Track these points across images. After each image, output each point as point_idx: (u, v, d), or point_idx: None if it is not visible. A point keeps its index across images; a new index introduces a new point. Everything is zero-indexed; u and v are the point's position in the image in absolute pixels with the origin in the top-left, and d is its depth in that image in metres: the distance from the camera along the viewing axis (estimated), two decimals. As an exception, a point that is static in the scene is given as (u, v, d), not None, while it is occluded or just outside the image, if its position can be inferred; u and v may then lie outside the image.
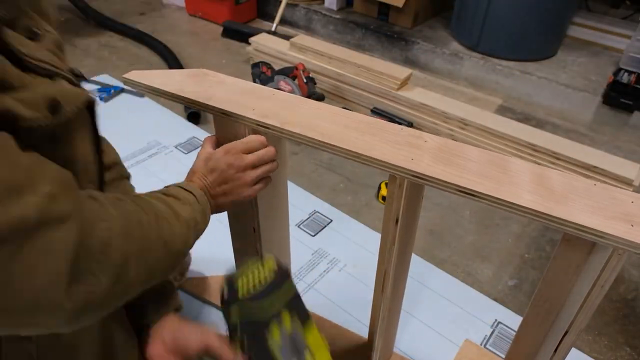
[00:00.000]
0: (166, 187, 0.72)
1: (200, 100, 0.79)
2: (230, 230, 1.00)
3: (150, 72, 0.87)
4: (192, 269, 1.33)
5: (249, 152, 0.77)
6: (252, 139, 0.77)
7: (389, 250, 0.81)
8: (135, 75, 0.86)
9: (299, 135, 0.73)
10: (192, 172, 0.77)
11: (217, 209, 0.77)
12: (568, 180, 0.63)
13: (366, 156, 0.68)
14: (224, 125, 0.81)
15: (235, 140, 0.78)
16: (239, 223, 0.97)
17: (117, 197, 0.57)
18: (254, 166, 0.77)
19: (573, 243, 0.64)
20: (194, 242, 0.69)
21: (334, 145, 0.70)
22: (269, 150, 0.78)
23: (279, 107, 0.78)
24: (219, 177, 0.75)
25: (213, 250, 1.08)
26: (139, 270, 0.55)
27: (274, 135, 0.77)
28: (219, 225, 1.04)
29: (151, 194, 0.67)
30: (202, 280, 1.30)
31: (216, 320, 1.24)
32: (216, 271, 1.31)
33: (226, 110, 0.78)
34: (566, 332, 0.74)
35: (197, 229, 0.69)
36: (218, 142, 0.82)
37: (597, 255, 0.64)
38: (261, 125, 0.76)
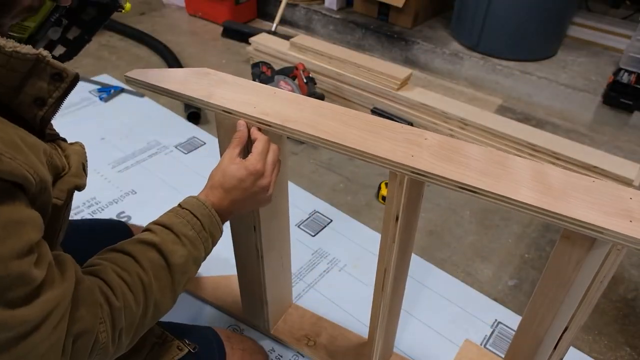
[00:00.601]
0: (175, 209, 0.70)
1: (202, 98, 0.80)
2: (231, 230, 1.00)
3: (152, 70, 0.87)
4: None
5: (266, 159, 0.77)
6: (264, 147, 0.76)
7: (389, 248, 0.81)
8: (136, 73, 0.86)
9: (300, 133, 0.73)
10: (209, 186, 0.75)
11: (233, 215, 0.77)
12: (567, 177, 0.63)
13: (368, 153, 0.68)
14: (226, 123, 0.81)
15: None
16: (239, 222, 0.97)
17: (100, 282, 0.59)
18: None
19: (573, 239, 0.64)
20: (195, 273, 0.71)
21: (335, 143, 0.71)
22: (277, 151, 0.79)
23: (280, 105, 0.79)
24: (241, 199, 0.75)
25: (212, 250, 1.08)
26: (128, 338, 0.61)
27: (275, 133, 0.77)
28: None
29: (145, 239, 0.65)
30: (201, 280, 1.30)
31: (215, 321, 1.24)
32: (215, 271, 1.31)
33: (227, 108, 0.78)
34: (566, 328, 0.74)
35: (197, 262, 0.70)
36: (239, 145, 0.78)
37: (597, 251, 0.64)
38: (263, 123, 0.76)
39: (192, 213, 0.69)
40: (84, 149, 0.65)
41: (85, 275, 0.58)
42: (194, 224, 0.68)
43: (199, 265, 0.71)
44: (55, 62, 0.54)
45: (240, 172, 0.73)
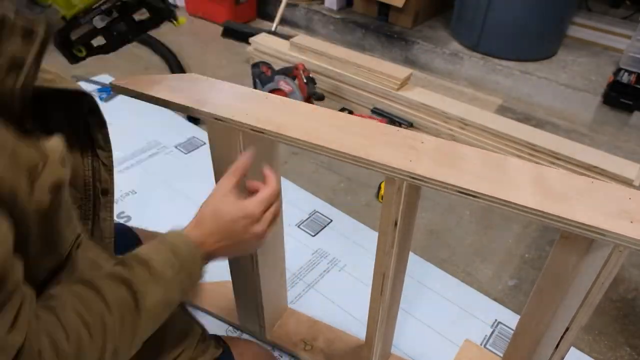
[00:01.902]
0: (155, 243, 0.63)
1: (193, 105, 0.78)
2: None
3: (140, 77, 0.85)
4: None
5: (267, 208, 0.69)
6: (270, 195, 0.69)
7: (388, 254, 0.81)
8: (124, 82, 0.83)
9: (294, 140, 0.71)
10: (197, 219, 0.68)
11: (215, 258, 0.69)
12: (567, 179, 0.63)
13: (365, 160, 0.67)
14: (218, 130, 0.80)
15: (231, 147, 0.78)
16: None
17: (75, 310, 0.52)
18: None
19: (571, 240, 0.64)
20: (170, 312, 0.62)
21: (331, 150, 0.69)
22: (279, 203, 0.72)
23: (273, 110, 0.77)
24: (230, 240, 0.67)
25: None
26: None
27: (269, 140, 0.76)
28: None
29: (118, 274, 0.57)
30: (196, 287, 1.30)
31: (211, 327, 1.23)
32: (209, 277, 1.30)
33: (219, 116, 0.76)
34: (567, 329, 0.74)
35: (171, 307, 0.62)
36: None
37: (597, 252, 0.64)
38: (256, 130, 0.74)
39: (172, 251, 0.62)
40: (63, 141, 0.54)
41: (43, 311, 0.50)
42: (172, 264, 0.60)
43: (171, 311, 0.62)
44: (24, 16, 0.47)
45: (235, 212, 0.66)
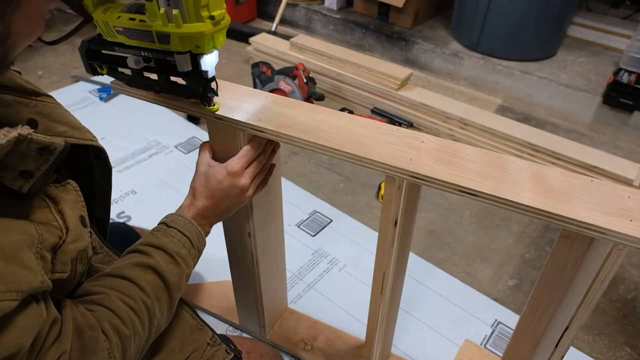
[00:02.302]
0: (162, 229, 0.72)
1: (192, 105, 0.77)
2: (225, 236, 0.99)
3: None
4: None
5: (249, 163, 0.77)
6: (250, 151, 0.77)
7: (388, 252, 0.81)
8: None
9: (295, 139, 0.71)
10: (192, 193, 0.77)
11: (216, 222, 0.80)
12: (566, 178, 0.63)
13: (366, 159, 0.67)
14: (218, 129, 0.80)
15: (232, 146, 0.78)
16: (233, 229, 0.96)
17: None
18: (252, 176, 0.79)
19: (571, 239, 0.64)
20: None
21: (332, 149, 0.69)
22: (265, 156, 0.80)
23: (273, 110, 0.77)
24: (222, 199, 0.77)
25: (206, 256, 1.07)
26: None
27: (269, 139, 0.76)
28: (212, 231, 1.04)
29: (141, 262, 0.66)
30: (196, 287, 1.30)
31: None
32: (209, 278, 1.31)
33: (220, 115, 0.76)
34: (567, 328, 0.74)
35: (188, 278, 0.72)
36: (213, 149, 0.82)
37: (597, 250, 0.64)
38: (256, 130, 0.74)
39: (180, 232, 0.71)
40: (79, 193, 0.60)
41: (92, 306, 0.59)
42: (184, 242, 0.70)
43: (188, 280, 0.73)
44: (40, 137, 0.49)
45: (220, 173, 0.76)
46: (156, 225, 0.74)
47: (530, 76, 2.27)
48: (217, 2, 0.61)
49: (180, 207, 0.77)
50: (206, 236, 0.77)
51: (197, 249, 0.73)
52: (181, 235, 0.71)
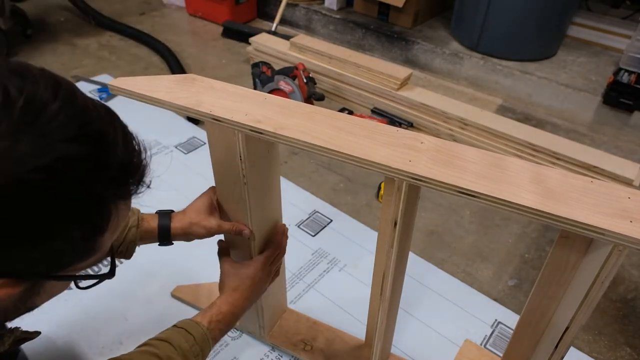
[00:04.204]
0: (175, 327, 0.81)
1: (190, 106, 0.77)
2: (225, 236, 0.99)
3: (138, 78, 0.85)
4: (185, 275, 1.33)
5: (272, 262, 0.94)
6: (280, 242, 0.95)
7: (387, 253, 0.81)
8: (122, 82, 0.83)
9: (294, 140, 0.71)
10: (227, 288, 0.90)
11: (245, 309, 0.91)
12: (566, 179, 0.63)
13: (365, 160, 0.67)
14: (217, 131, 0.80)
15: (230, 147, 0.79)
16: None
17: None
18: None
19: (571, 240, 0.64)
20: None
21: (331, 150, 0.69)
22: (284, 246, 0.97)
23: (272, 111, 0.76)
24: (251, 297, 0.90)
25: (206, 257, 1.07)
26: None
27: (268, 141, 0.75)
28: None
29: (147, 350, 0.74)
30: (196, 287, 1.30)
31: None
32: (210, 278, 1.31)
33: (218, 117, 0.75)
34: (567, 328, 0.74)
35: None
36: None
37: (597, 251, 0.64)
38: (255, 131, 0.74)
39: (186, 330, 0.79)
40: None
41: None
42: (187, 339, 0.78)
43: None
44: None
45: (252, 272, 0.90)
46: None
47: (530, 76, 2.27)
48: None
49: (213, 304, 0.87)
50: (225, 332, 0.86)
51: (200, 347, 0.79)
52: (186, 332, 0.79)
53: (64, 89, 0.45)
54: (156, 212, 0.95)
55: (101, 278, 0.58)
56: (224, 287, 0.90)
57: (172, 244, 0.95)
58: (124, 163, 0.49)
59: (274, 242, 0.95)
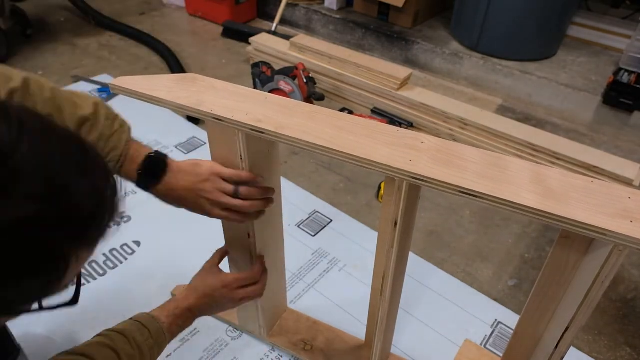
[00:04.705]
0: (131, 321, 0.81)
1: (191, 106, 0.78)
2: (225, 236, 0.99)
3: (139, 77, 0.85)
4: (185, 275, 1.33)
5: (241, 286, 0.92)
6: (246, 279, 0.92)
7: (387, 253, 0.81)
8: (123, 82, 0.84)
9: (294, 140, 0.71)
10: (189, 288, 0.90)
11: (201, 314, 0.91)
12: (566, 179, 0.63)
13: (366, 160, 0.67)
14: (218, 130, 0.80)
15: (231, 147, 0.78)
16: (233, 230, 0.96)
17: None
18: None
19: (571, 240, 0.64)
20: None
21: (332, 150, 0.69)
22: (257, 285, 0.95)
23: (272, 110, 0.77)
24: (210, 301, 0.90)
25: (206, 256, 1.07)
26: None
27: (269, 140, 0.75)
28: (212, 231, 1.04)
29: (101, 342, 0.74)
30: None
31: (210, 327, 1.24)
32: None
33: (219, 116, 0.76)
34: (567, 328, 0.74)
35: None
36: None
37: (597, 251, 0.64)
38: (255, 130, 0.74)
39: (141, 324, 0.79)
40: None
41: None
42: (142, 332, 0.79)
43: None
44: None
45: (215, 283, 0.90)
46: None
47: (530, 76, 2.27)
48: None
49: (171, 300, 0.88)
50: (183, 328, 0.87)
51: (155, 340, 0.79)
52: (141, 325, 0.79)
53: (28, 129, 0.41)
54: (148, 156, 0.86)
55: (62, 306, 0.54)
56: (189, 285, 0.91)
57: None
58: (89, 217, 0.45)
59: (251, 270, 0.95)
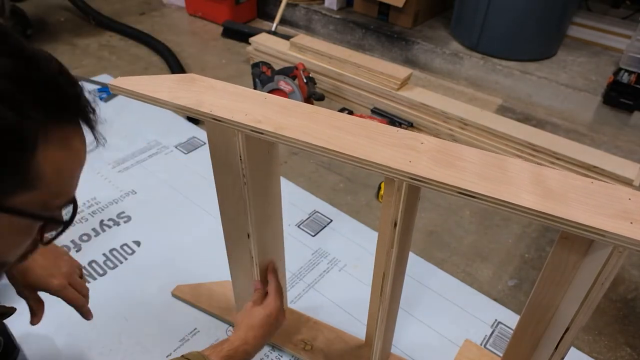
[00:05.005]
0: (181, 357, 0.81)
1: (191, 106, 0.77)
2: (224, 236, 0.99)
3: (138, 78, 0.85)
4: (185, 275, 1.33)
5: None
6: (277, 289, 0.99)
7: (387, 253, 0.81)
8: (122, 82, 0.83)
9: (294, 140, 0.71)
10: (239, 326, 0.93)
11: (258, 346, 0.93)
12: (566, 179, 0.63)
13: (365, 160, 0.67)
14: (217, 131, 0.80)
15: (230, 148, 0.79)
16: (233, 229, 0.96)
17: None
18: None
19: (571, 241, 0.64)
20: None
21: (331, 150, 0.69)
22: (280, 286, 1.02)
23: (272, 111, 0.76)
24: (264, 335, 0.93)
25: (206, 256, 1.07)
26: None
27: (268, 141, 0.75)
28: (212, 231, 1.04)
29: None
30: (196, 287, 1.30)
31: (211, 327, 1.24)
32: (210, 277, 1.31)
33: (218, 117, 0.75)
34: (567, 329, 0.74)
35: None
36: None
37: (597, 253, 0.64)
38: (255, 131, 0.74)
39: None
40: None
41: None
42: None
43: None
44: None
45: (263, 316, 0.93)
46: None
47: (530, 76, 2.27)
48: None
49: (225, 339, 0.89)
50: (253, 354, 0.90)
51: None
52: None
53: None
54: None
55: (65, 226, 0.53)
56: (240, 323, 0.93)
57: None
58: (51, 80, 0.45)
59: (271, 282, 1.00)
